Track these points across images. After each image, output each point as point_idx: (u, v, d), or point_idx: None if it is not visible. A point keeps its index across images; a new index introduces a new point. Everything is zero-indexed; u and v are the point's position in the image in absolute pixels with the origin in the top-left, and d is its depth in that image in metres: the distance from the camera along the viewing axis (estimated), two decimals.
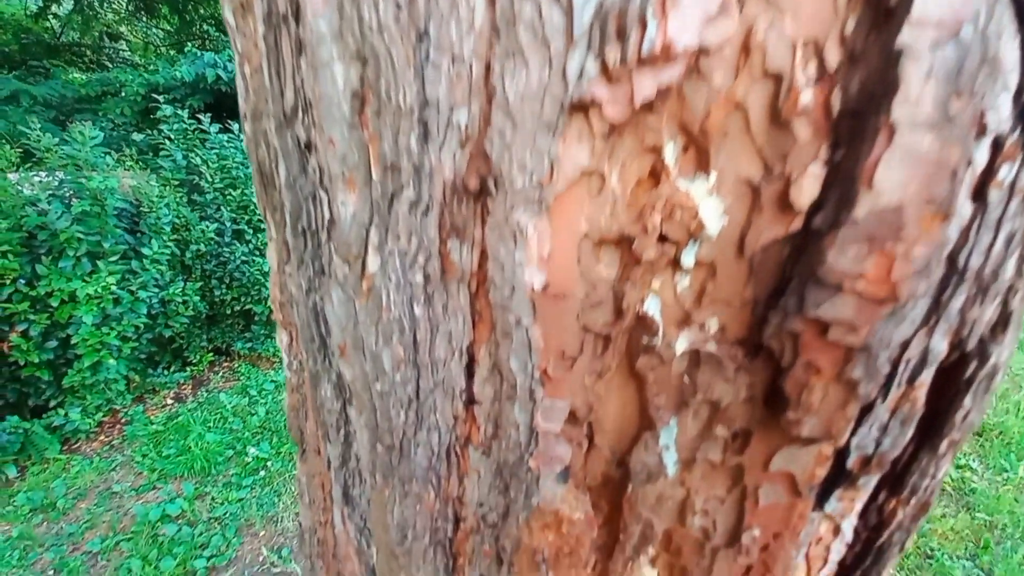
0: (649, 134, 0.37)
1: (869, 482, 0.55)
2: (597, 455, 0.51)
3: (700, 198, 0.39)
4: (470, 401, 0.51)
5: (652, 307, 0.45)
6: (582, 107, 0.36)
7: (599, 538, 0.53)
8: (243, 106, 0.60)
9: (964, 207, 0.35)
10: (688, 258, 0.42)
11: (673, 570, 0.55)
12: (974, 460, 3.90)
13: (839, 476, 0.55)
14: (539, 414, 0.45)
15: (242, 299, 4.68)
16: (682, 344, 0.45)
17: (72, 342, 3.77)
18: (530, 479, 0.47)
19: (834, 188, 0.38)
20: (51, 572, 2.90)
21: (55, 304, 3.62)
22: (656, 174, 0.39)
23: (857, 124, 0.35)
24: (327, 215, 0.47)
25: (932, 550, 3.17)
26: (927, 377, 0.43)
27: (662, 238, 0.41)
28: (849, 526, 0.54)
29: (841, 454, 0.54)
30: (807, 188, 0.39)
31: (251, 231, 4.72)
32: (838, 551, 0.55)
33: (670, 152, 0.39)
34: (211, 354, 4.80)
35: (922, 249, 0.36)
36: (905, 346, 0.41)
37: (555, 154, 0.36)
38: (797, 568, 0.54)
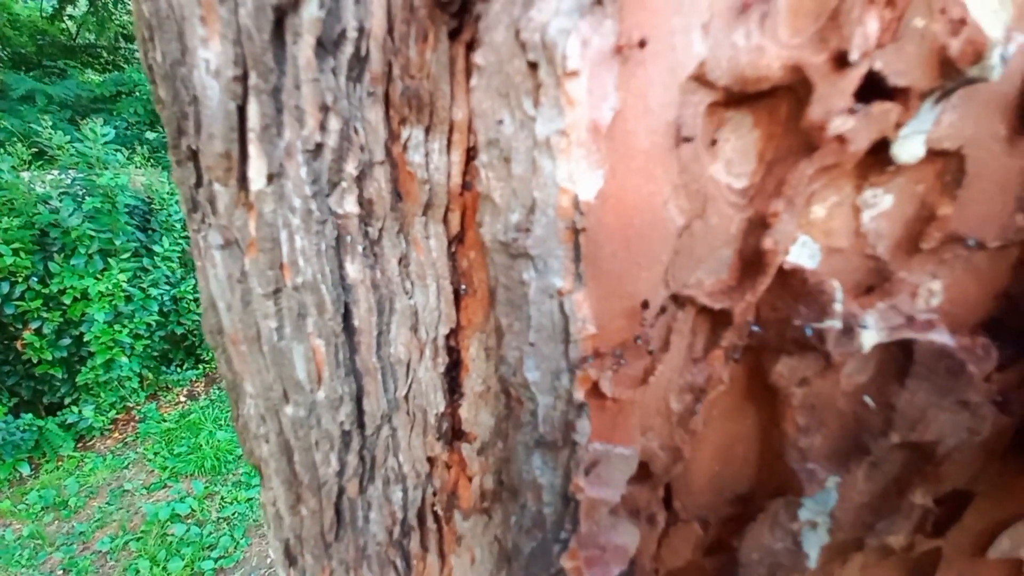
0: None
1: None
2: (680, 536, 0.28)
3: None
4: (455, 434, 0.29)
5: (808, 257, 0.22)
6: None
7: None
8: None
9: None
10: (913, 141, 0.19)
11: None
12: None
13: None
14: (580, 470, 0.22)
15: None
16: (873, 331, 0.22)
17: (85, 340, 3.76)
18: None
19: None
20: (60, 572, 2.84)
21: (68, 302, 3.60)
22: None
23: None
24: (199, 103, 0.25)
25: None
26: None
27: (872, 86, 0.17)
28: None
29: None
30: None
31: None
32: None
33: None
34: None
35: None
36: None
37: None
38: None
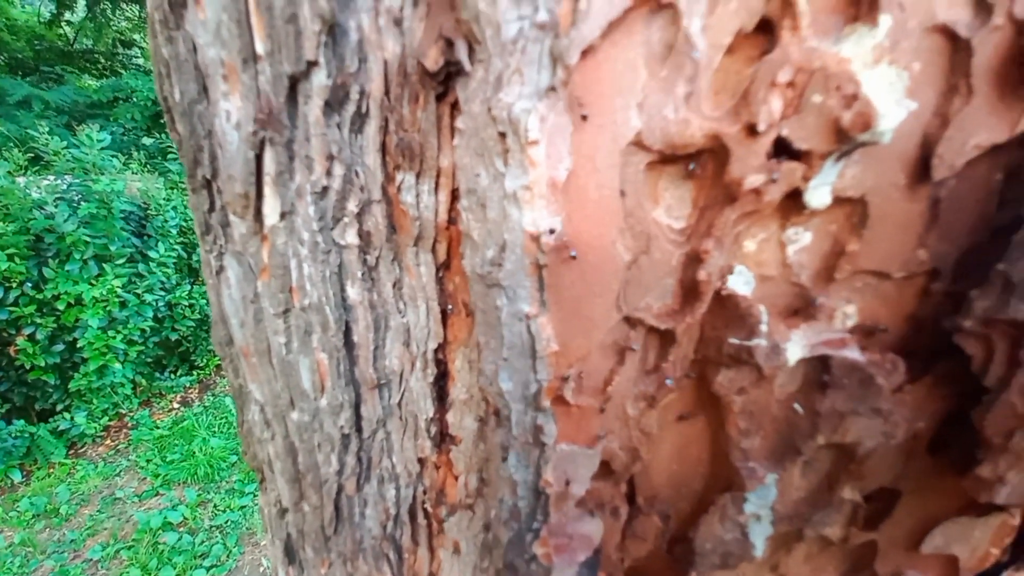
0: None
1: None
2: (642, 527, 0.31)
3: (861, 66, 0.20)
4: (443, 437, 0.32)
5: (744, 284, 0.26)
6: None
7: None
8: (148, 18, 0.43)
9: None
10: (820, 191, 0.23)
11: None
12: None
13: (1014, 552, 0.35)
14: (549, 468, 0.26)
15: None
16: (797, 348, 0.26)
17: (78, 346, 3.73)
18: (534, 573, 0.28)
19: None
20: None
21: (62, 307, 3.58)
22: (772, 25, 0.21)
23: None
24: (217, 144, 0.29)
25: None
26: None
27: (780, 148, 0.22)
28: None
29: None
30: None
31: None
32: None
33: None
34: (218, 358, 4.75)
35: None
36: None
37: None
38: None
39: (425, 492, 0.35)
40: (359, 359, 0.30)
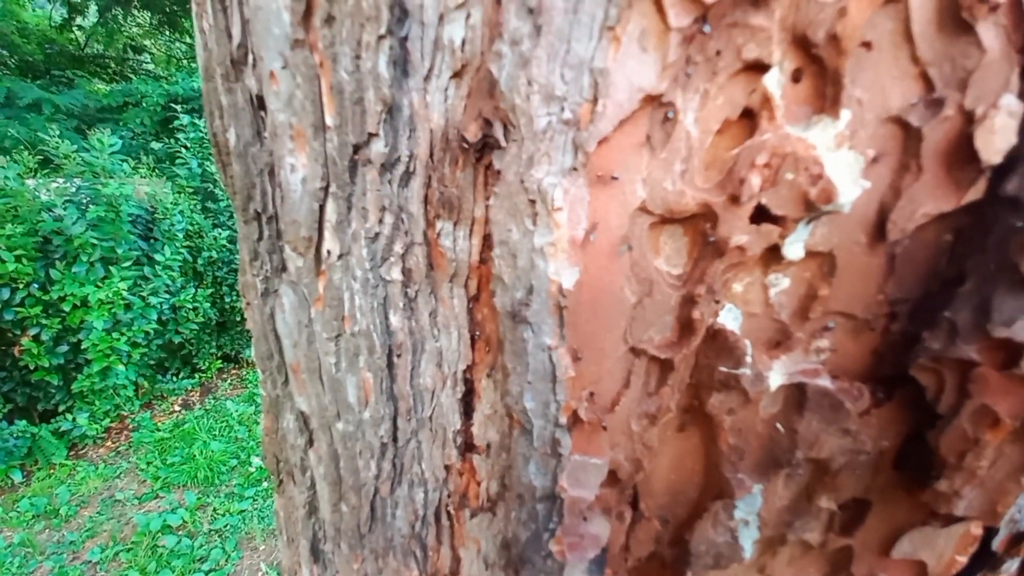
0: (752, 40, 0.23)
1: (1013, 566, 0.39)
2: (644, 530, 0.36)
3: (825, 151, 0.25)
4: (467, 447, 0.37)
5: (733, 320, 0.30)
6: None
7: None
8: (200, 64, 0.48)
9: None
10: (795, 246, 0.28)
11: None
12: None
13: (978, 560, 0.39)
14: (564, 475, 0.30)
15: None
16: (778, 376, 0.30)
17: (83, 347, 3.75)
18: (549, 568, 0.32)
19: None
20: None
21: (67, 309, 3.60)
22: (753, 113, 0.25)
23: None
24: (277, 188, 0.34)
25: None
26: None
27: (759, 214, 0.26)
28: None
29: (987, 531, 0.38)
30: (998, 133, 0.24)
31: None
32: None
33: (774, 80, 0.25)
34: (220, 361, 4.74)
35: None
36: None
37: (602, 68, 0.23)
38: None
39: (449, 496, 0.39)
40: (398, 377, 0.34)
